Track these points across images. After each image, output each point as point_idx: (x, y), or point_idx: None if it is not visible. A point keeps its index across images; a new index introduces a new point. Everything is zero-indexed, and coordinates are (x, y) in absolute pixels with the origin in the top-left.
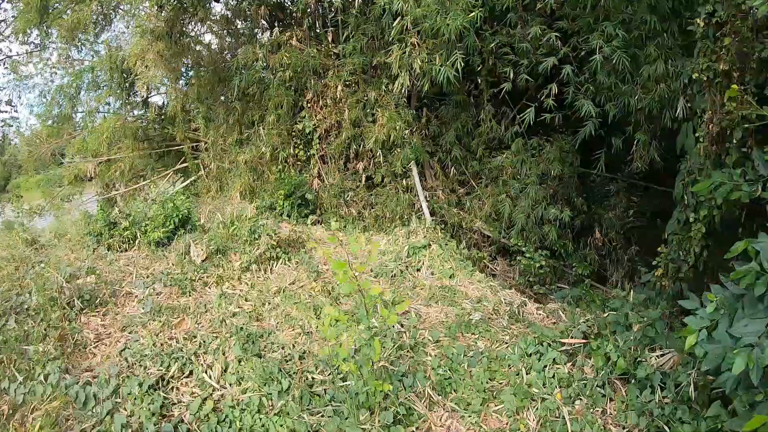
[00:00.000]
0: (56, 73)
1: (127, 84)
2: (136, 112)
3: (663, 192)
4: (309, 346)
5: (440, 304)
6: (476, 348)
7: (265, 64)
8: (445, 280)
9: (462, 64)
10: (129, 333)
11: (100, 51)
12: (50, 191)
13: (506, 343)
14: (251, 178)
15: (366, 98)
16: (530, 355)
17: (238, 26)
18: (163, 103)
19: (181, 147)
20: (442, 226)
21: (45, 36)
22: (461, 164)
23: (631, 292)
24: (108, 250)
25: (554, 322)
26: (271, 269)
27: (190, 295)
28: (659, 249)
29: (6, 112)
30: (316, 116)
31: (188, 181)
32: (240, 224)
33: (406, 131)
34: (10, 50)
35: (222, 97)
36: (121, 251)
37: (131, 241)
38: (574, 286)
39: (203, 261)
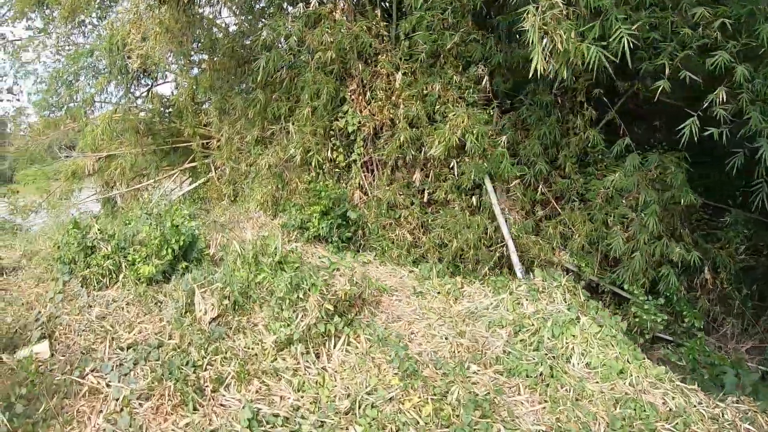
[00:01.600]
0: (59, 60)
1: (128, 69)
2: (139, 103)
3: None
4: None
5: None
6: None
7: (298, 43)
8: (615, 380)
9: (629, 43)
10: None
11: (104, 34)
12: (46, 187)
13: None
14: (275, 186)
15: (427, 91)
16: None
17: None
18: (171, 93)
19: (189, 144)
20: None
21: (47, 19)
22: (545, 181)
23: None
24: (83, 286)
25: None
26: (327, 353)
27: (195, 410)
28: None
29: (9, 100)
30: (361, 112)
31: (197, 183)
32: (269, 267)
33: (488, 136)
34: (13, 35)
35: (242, 85)
36: (100, 287)
37: (114, 274)
38: (679, 339)
39: (214, 321)
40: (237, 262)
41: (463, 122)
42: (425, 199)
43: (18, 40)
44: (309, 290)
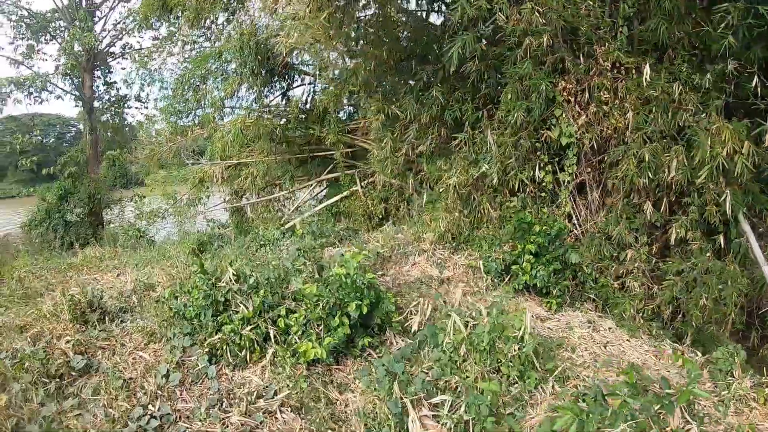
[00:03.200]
0: (186, 67)
1: (263, 71)
2: (273, 107)
3: None
4: None
5: None
6: None
7: (493, 27)
8: None
9: None
10: None
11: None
12: (173, 192)
13: None
14: (458, 210)
15: (657, 94)
16: None
17: None
18: (308, 95)
19: (329, 153)
20: None
21: (170, 23)
22: None
23: None
24: (210, 361)
25: None
26: None
27: None
28: None
29: (137, 108)
30: (575, 119)
31: (337, 197)
32: (517, 363)
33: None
34: (140, 45)
35: (410, 82)
36: (236, 364)
37: (258, 346)
38: None
39: None
40: (459, 350)
41: (727, 137)
42: (659, 236)
43: (144, 49)
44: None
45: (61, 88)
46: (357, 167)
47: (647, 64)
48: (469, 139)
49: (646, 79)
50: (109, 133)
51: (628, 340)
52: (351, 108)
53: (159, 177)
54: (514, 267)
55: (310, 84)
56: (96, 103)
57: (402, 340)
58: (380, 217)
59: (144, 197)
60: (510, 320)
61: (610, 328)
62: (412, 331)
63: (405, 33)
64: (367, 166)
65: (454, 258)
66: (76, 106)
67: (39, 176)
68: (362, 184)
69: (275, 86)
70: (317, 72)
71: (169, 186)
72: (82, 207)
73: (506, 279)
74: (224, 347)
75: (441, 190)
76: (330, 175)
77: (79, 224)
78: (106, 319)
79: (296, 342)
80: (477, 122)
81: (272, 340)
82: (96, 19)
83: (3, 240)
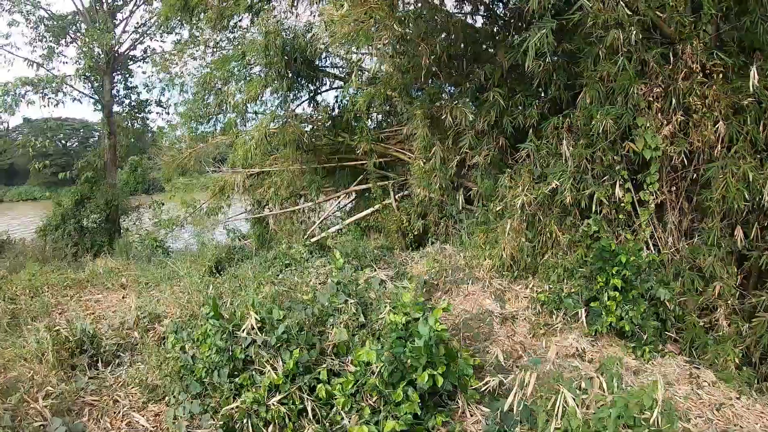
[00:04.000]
0: (207, 71)
1: (289, 73)
2: (299, 112)
3: None
4: None
5: None
6: None
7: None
8: None
9: None
10: None
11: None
12: (192, 200)
13: None
14: (524, 234)
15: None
16: None
17: None
18: (338, 99)
19: (360, 163)
20: None
21: (191, 24)
22: None
23: None
24: None
25: None
26: None
27: None
28: None
29: (158, 113)
30: (661, 128)
31: (368, 212)
32: None
33: None
34: (162, 49)
35: (467, 84)
36: None
37: (289, 421)
38: None
39: None
40: None
41: None
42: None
43: (165, 53)
44: None
45: (79, 90)
46: (389, 178)
47: (754, 67)
48: (535, 150)
49: (754, 83)
50: (132, 140)
51: (738, 398)
52: (380, 116)
53: (178, 184)
54: (593, 304)
55: (339, 88)
56: (115, 107)
57: (479, 410)
58: (415, 233)
59: (163, 204)
60: (637, 395)
61: (714, 383)
62: (500, 407)
63: (458, 25)
64: (402, 178)
65: (514, 288)
66: (96, 110)
67: (60, 180)
68: (396, 197)
69: (302, 90)
70: (350, 73)
71: (189, 193)
72: (99, 213)
73: (581, 316)
74: (244, 420)
75: (499, 209)
76: (359, 187)
77: (95, 231)
78: (99, 362)
79: (342, 418)
80: (540, 129)
81: (309, 414)
82: (117, 21)
83: (18, 245)
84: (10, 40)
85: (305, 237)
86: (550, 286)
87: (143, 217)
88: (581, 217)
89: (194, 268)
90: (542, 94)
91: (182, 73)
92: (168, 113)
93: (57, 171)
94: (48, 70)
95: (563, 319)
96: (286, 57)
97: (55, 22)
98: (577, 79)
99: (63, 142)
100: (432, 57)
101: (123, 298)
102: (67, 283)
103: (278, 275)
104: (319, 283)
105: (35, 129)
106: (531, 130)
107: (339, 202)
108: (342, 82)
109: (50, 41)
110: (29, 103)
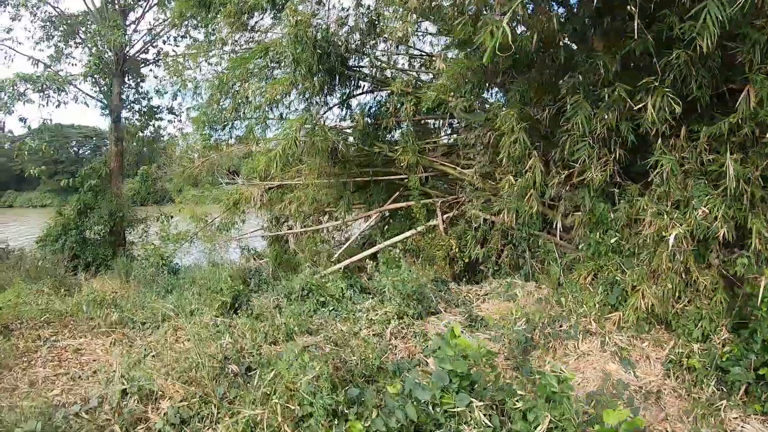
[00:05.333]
0: (222, 72)
1: (321, 69)
2: (330, 119)
3: None
4: None
5: None
6: None
7: None
8: None
9: None
10: None
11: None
12: (203, 213)
13: None
14: (669, 275)
15: None
16: None
17: None
18: (376, 103)
19: (400, 178)
20: None
21: (206, 21)
22: None
23: None
24: None
25: None
26: None
27: None
28: None
29: (170, 121)
30: None
31: (407, 234)
32: None
33: None
34: (175, 53)
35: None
36: None
37: None
38: None
39: None
40: None
41: None
42: None
43: (178, 55)
44: None
45: (85, 92)
46: (429, 195)
47: None
48: (676, 166)
49: None
50: (143, 149)
51: None
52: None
53: (188, 196)
54: (763, 370)
55: (374, 92)
56: (125, 113)
57: None
58: (466, 261)
59: (171, 217)
60: None
61: None
62: None
63: None
64: (452, 196)
65: (639, 346)
66: (103, 114)
67: (69, 187)
68: (444, 217)
69: (333, 92)
70: (384, 76)
71: (200, 206)
72: (103, 224)
73: (744, 390)
74: None
75: (614, 240)
76: (396, 205)
77: (97, 243)
78: None
79: None
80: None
81: None
82: (128, 22)
83: (16, 256)
84: (12, 35)
85: (331, 260)
86: (699, 346)
87: (150, 230)
88: (728, 251)
89: (204, 299)
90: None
91: (195, 78)
92: (180, 120)
93: (68, 178)
94: (56, 72)
95: (717, 390)
96: (319, 51)
97: (63, 21)
98: (730, 74)
99: (75, 149)
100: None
101: (111, 345)
102: (45, 317)
103: (312, 315)
104: (373, 334)
105: (30, 133)
106: (660, 140)
107: (366, 221)
108: (379, 85)
109: (59, 41)
110: (26, 102)
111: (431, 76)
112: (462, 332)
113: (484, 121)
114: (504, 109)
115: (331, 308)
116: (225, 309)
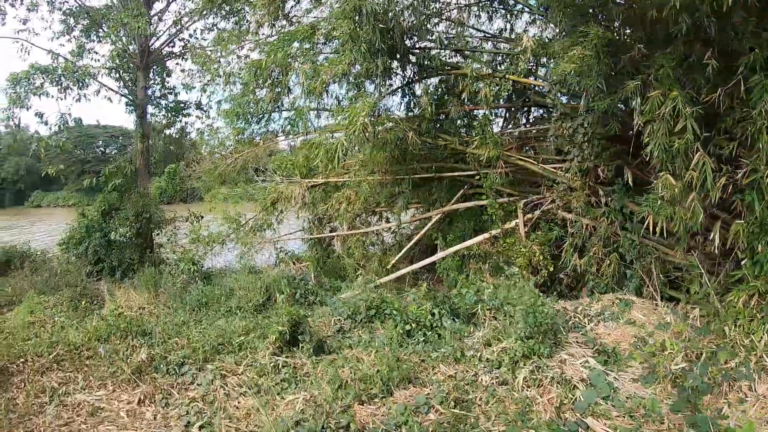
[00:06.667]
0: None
1: (384, 46)
2: (388, 105)
3: None
4: None
5: None
6: None
7: None
8: None
9: None
10: None
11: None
12: (236, 215)
13: None
14: None
15: None
16: None
17: None
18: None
19: (468, 175)
20: None
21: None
22: None
23: None
24: None
25: None
26: None
27: None
28: None
29: (198, 117)
30: None
31: (479, 238)
32: None
33: None
34: (202, 46)
35: None
36: None
37: None
38: None
39: None
40: None
41: None
42: None
43: (205, 48)
44: None
45: (106, 85)
46: (501, 194)
47: None
48: None
49: None
50: (170, 147)
51: None
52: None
53: (220, 195)
54: None
55: (443, 73)
56: (151, 109)
57: None
58: (551, 270)
59: (201, 217)
60: None
61: None
62: None
63: None
64: (537, 196)
65: None
66: (128, 111)
67: (96, 186)
68: (525, 219)
69: (393, 75)
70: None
71: (232, 205)
72: (128, 226)
73: None
74: None
75: None
76: (463, 204)
77: (123, 246)
78: None
79: None
80: None
81: None
82: (152, 12)
83: (37, 260)
84: (28, 26)
85: (389, 267)
86: None
87: (179, 231)
88: None
89: (252, 325)
90: None
91: (227, 68)
92: (208, 116)
93: (92, 177)
94: (74, 63)
95: None
96: (381, 25)
97: (85, 13)
98: None
99: (102, 149)
100: None
101: (139, 403)
102: (54, 355)
103: (399, 347)
104: (497, 382)
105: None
106: None
107: (429, 223)
108: (446, 68)
109: (81, 34)
110: (41, 95)
111: (507, 59)
112: (594, 369)
113: (607, 106)
114: (652, 90)
115: (422, 339)
116: (283, 341)
